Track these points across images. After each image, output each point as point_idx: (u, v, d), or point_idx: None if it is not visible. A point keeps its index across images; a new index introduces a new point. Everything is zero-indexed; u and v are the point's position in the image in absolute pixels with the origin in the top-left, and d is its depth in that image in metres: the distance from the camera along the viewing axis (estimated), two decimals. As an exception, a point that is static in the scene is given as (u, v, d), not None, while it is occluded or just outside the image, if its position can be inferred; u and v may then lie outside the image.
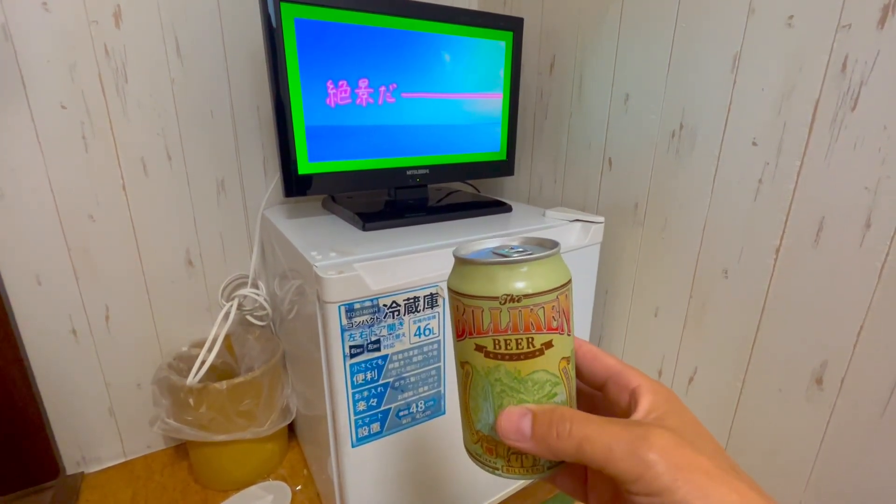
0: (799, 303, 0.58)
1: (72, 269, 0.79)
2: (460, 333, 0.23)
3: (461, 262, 0.22)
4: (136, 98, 0.77)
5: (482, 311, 0.21)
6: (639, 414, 0.21)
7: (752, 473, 0.68)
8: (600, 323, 0.89)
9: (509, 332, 0.21)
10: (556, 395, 0.22)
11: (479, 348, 0.22)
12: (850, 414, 0.56)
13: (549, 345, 0.22)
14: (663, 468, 0.17)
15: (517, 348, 0.21)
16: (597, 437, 0.19)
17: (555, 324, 0.22)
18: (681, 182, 0.70)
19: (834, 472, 0.58)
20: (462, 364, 0.23)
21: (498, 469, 0.23)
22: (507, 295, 0.21)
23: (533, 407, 0.21)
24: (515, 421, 0.21)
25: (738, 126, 0.62)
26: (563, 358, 0.22)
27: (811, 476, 0.60)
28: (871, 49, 0.49)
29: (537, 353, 0.21)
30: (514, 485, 0.84)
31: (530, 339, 0.21)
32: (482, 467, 0.24)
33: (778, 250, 0.60)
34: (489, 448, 0.23)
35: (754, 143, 0.60)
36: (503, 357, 0.21)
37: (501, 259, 0.21)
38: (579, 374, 0.25)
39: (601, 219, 0.76)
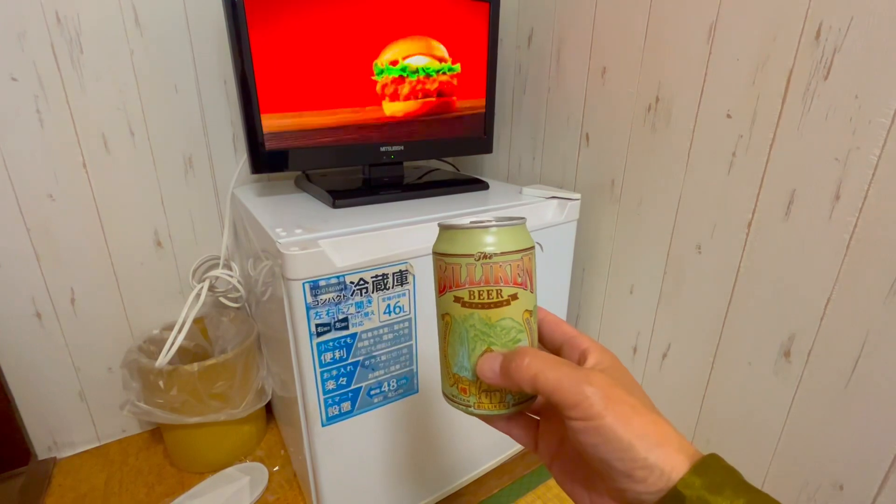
0: (769, 277, 0.58)
1: (32, 250, 0.76)
2: (442, 289, 0.27)
3: (445, 229, 0.27)
4: (93, 70, 0.73)
5: (460, 266, 0.26)
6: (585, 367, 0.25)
7: (721, 444, 0.67)
8: (577, 301, 0.89)
9: (482, 284, 0.25)
10: (519, 340, 0.26)
11: (457, 299, 0.26)
12: (815, 386, 0.56)
13: (514, 297, 0.26)
14: (597, 399, 0.22)
15: (488, 298, 0.26)
16: (549, 372, 0.23)
17: (520, 280, 0.26)
18: (656, 158, 0.69)
19: (799, 443, 0.59)
20: (443, 316, 0.27)
21: (470, 406, 0.27)
22: (481, 252, 0.25)
23: (503, 351, 0.26)
24: (489, 362, 0.26)
25: (712, 98, 0.61)
26: (527, 310, 0.27)
27: (777, 446, 0.61)
28: (844, 15, 0.48)
29: (505, 303, 0.26)
30: (490, 462, 0.85)
31: (499, 291, 0.25)
32: (456, 406, 0.28)
33: (750, 224, 0.59)
34: (463, 388, 0.27)
35: (728, 116, 0.59)
36: (477, 306, 0.26)
37: (477, 224, 0.26)
38: (542, 339, 0.29)
39: (577, 196, 0.75)
